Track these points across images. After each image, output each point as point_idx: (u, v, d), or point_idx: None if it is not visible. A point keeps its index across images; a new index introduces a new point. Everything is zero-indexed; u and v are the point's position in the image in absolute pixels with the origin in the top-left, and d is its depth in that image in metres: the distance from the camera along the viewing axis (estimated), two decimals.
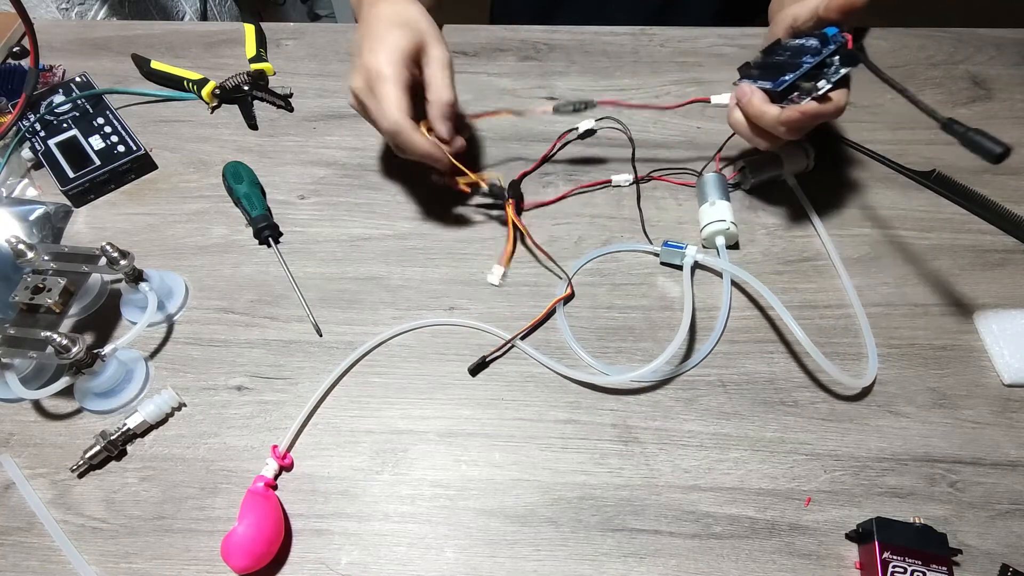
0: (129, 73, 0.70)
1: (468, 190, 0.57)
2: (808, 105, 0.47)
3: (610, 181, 0.61)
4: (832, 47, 0.47)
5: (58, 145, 0.62)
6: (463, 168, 0.54)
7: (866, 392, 0.50)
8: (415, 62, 0.50)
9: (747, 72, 0.52)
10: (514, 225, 0.56)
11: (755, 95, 0.50)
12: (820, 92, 0.47)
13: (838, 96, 0.48)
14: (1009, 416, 0.49)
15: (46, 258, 0.50)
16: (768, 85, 0.50)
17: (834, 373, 0.47)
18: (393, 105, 0.48)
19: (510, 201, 0.56)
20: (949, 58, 0.71)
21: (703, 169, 0.61)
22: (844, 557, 0.44)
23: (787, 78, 0.48)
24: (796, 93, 0.49)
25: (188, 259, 0.57)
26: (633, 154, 0.62)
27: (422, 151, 0.50)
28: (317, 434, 0.49)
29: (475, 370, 0.51)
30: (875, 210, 0.60)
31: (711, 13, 0.80)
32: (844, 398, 0.50)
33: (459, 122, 0.54)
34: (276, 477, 0.47)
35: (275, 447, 0.47)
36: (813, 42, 0.49)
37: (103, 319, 0.54)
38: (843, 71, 0.47)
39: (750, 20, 0.78)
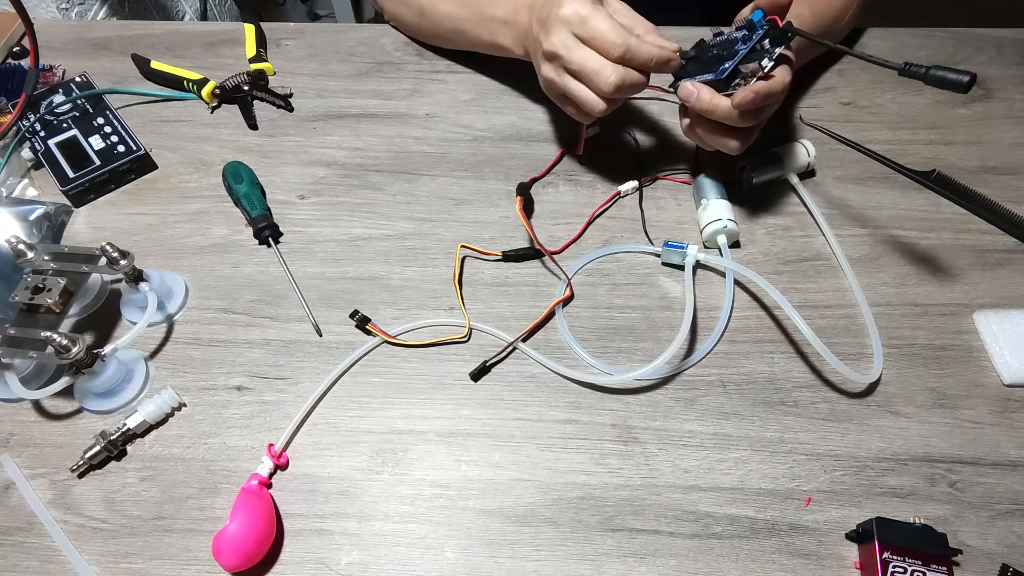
0: (129, 73, 0.70)
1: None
2: (759, 84, 0.48)
3: (618, 193, 0.61)
4: (761, 31, 0.48)
5: (58, 145, 0.62)
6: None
7: (866, 392, 0.50)
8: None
9: (682, 73, 0.53)
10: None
11: (702, 91, 0.50)
12: (766, 70, 0.48)
13: (781, 73, 0.49)
14: (1009, 416, 0.49)
15: (46, 258, 0.50)
16: (710, 76, 0.50)
17: (842, 369, 0.47)
18: (613, 27, 0.48)
19: (519, 198, 0.57)
20: (949, 58, 0.71)
21: (694, 170, 0.61)
22: (844, 557, 0.44)
23: (727, 66, 0.49)
24: (738, 79, 0.49)
25: (188, 259, 0.57)
26: (638, 157, 0.63)
27: (658, 54, 0.48)
28: (317, 434, 0.49)
29: (477, 375, 0.51)
30: (875, 210, 0.60)
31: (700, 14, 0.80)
32: (844, 398, 0.50)
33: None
34: (271, 476, 0.47)
35: (271, 445, 0.47)
36: (740, 33, 0.50)
37: (103, 319, 0.54)
38: (778, 49, 0.48)
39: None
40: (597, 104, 0.50)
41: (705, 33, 0.53)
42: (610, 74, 0.48)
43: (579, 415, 0.49)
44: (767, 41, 0.48)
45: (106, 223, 0.60)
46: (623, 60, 0.48)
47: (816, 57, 0.68)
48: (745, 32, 0.50)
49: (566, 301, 0.55)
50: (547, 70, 0.52)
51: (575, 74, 0.50)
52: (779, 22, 0.48)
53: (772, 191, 0.61)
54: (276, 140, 0.65)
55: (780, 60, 0.48)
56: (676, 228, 0.59)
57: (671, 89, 0.53)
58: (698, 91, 0.50)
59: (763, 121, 0.52)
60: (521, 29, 0.57)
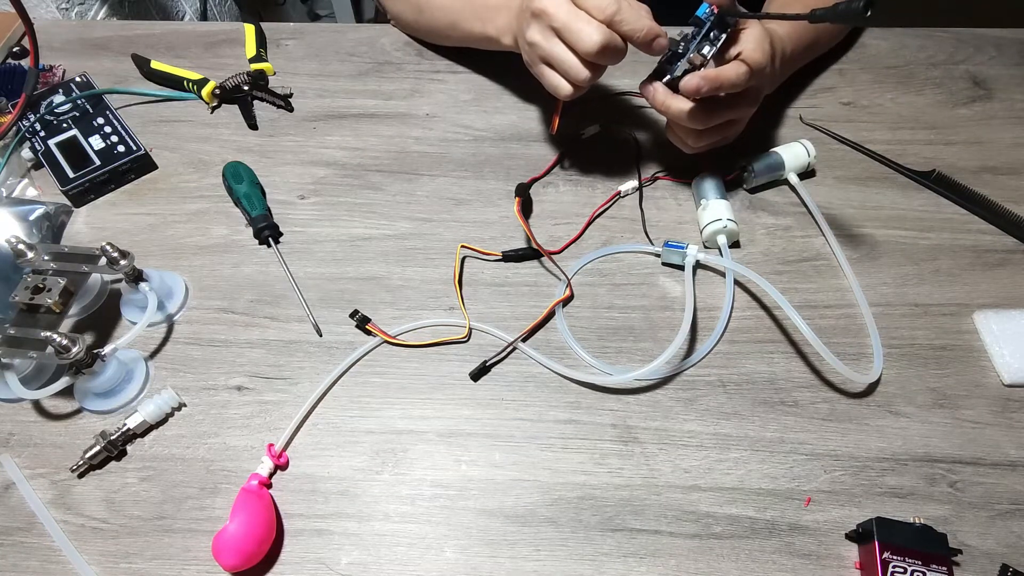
0: (129, 73, 0.70)
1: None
2: (706, 71, 0.49)
3: (618, 193, 0.61)
4: (708, 23, 0.50)
5: (58, 145, 0.62)
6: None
7: (866, 392, 0.50)
8: None
9: (652, 75, 0.54)
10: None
11: (658, 90, 0.52)
12: (708, 57, 0.50)
13: (734, 66, 0.49)
14: (1009, 416, 0.49)
15: (46, 258, 0.50)
16: (667, 76, 0.53)
17: (841, 370, 0.47)
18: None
19: (516, 199, 0.57)
20: (949, 58, 0.71)
21: (694, 170, 0.61)
22: (844, 557, 0.44)
23: (679, 63, 0.52)
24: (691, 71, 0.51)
25: (188, 259, 0.57)
26: (638, 157, 0.63)
27: (649, 27, 0.47)
28: (317, 434, 0.49)
29: (477, 375, 0.51)
30: (875, 210, 0.60)
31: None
32: (844, 398, 0.50)
33: None
34: (271, 476, 0.47)
35: (271, 445, 0.47)
36: (691, 29, 0.51)
37: (103, 319, 0.54)
38: (723, 36, 0.50)
39: None
40: (579, 72, 0.49)
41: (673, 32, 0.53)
42: (594, 32, 0.46)
43: (579, 415, 0.49)
44: (714, 32, 0.50)
45: (106, 223, 0.60)
46: (610, 24, 0.47)
47: (817, 58, 0.68)
48: (695, 28, 0.51)
49: (566, 301, 0.55)
50: (532, 32, 0.51)
51: (560, 31, 0.49)
52: (715, 9, 0.49)
53: (772, 191, 0.61)
54: (276, 140, 0.65)
55: (736, 55, 0.50)
56: (676, 228, 0.59)
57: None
58: (655, 91, 0.52)
59: (733, 127, 0.54)
60: (513, 12, 0.56)
